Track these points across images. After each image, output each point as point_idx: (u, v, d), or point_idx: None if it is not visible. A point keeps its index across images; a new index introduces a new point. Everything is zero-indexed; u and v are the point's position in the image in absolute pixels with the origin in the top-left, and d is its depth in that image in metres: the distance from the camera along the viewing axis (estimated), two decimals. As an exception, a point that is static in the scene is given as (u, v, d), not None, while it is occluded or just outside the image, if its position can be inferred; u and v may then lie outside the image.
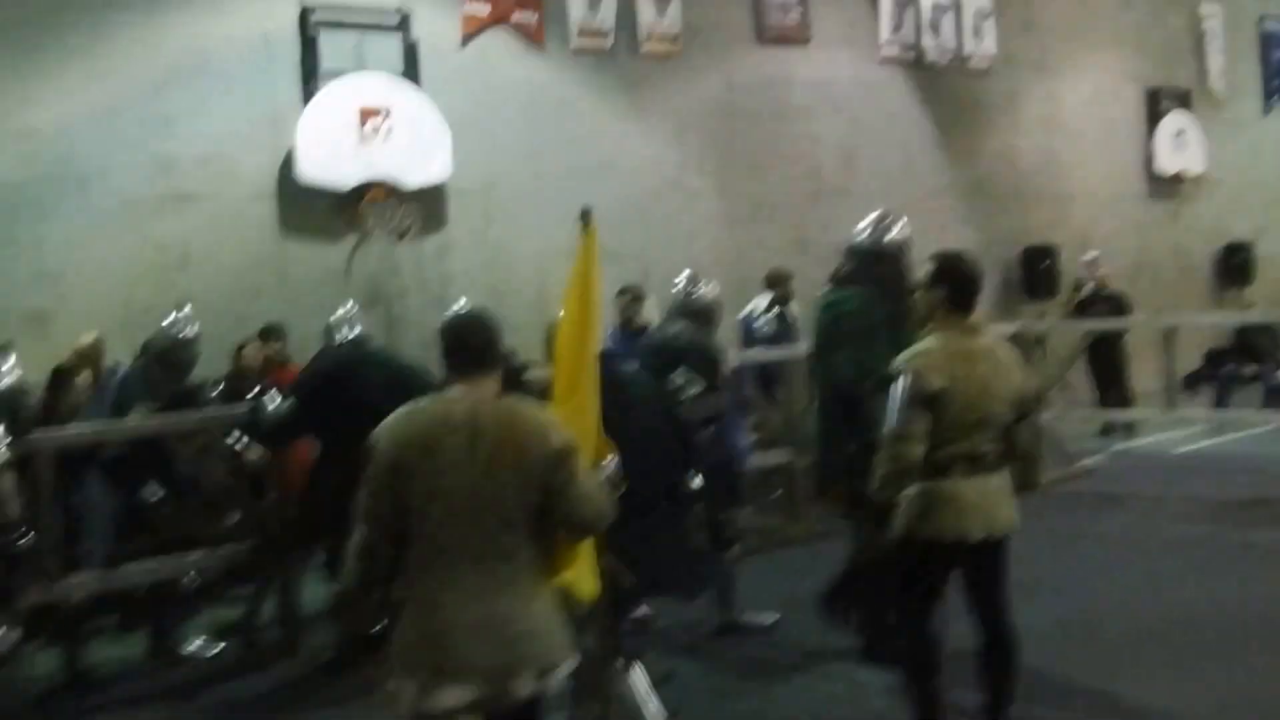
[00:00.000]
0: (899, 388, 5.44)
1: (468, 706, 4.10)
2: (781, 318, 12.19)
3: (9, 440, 6.65)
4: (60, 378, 8.62)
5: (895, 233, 7.36)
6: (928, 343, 5.58)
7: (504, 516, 4.16)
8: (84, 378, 8.65)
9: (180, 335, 8.61)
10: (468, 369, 4.31)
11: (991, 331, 6.12)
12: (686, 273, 8.80)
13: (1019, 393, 5.60)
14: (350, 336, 8.71)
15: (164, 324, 8.70)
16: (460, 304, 8.13)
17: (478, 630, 4.12)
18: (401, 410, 4.34)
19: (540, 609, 4.25)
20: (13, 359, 7.55)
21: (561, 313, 5.61)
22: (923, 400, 5.35)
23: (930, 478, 5.45)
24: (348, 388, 7.92)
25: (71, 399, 8.46)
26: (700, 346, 8.19)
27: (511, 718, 4.24)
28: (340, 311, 8.96)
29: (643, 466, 5.51)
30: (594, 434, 5.08)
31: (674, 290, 8.66)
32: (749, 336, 12.35)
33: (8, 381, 7.38)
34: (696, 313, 8.40)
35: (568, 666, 4.35)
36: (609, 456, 5.14)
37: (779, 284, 12.41)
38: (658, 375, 7.56)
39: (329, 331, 8.76)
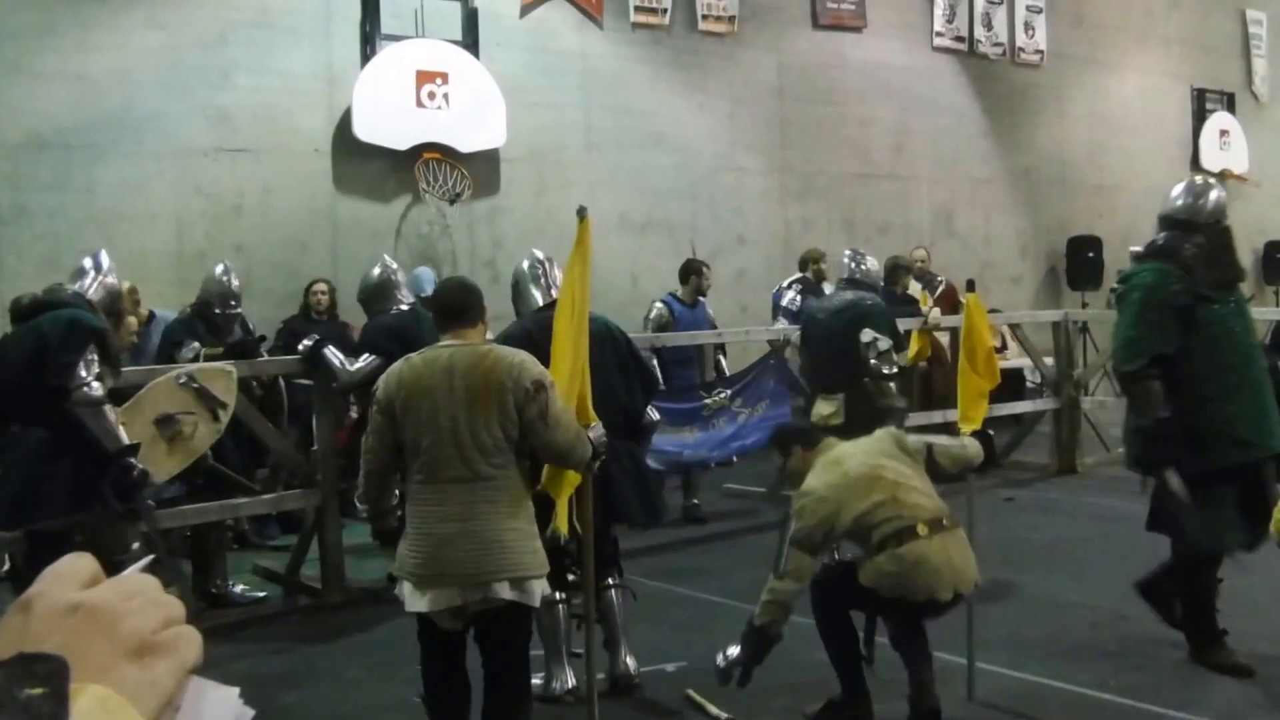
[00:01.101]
0: (785, 529, 5.39)
1: (454, 608, 4.70)
2: (805, 293, 11.81)
3: (99, 374, 6.29)
4: (110, 320, 8.31)
5: (1211, 200, 6.65)
6: (809, 482, 5.48)
7: (484, 445, 4.68)
8: (130, 322, 8.31)
9: (222, 289, 8.53)
10: (453, 323, 4.96)
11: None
12: (848, 250, 9.56)
13: (902, 447, 5.59)
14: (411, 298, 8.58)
15: (212, 274, 8.62)
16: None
17: (458, 542, 4.65)
18: (398, 361, 4.98)
19: (516, 526, 4.74)
20: (107, 259, 6.99)
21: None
22: (804, 540, 5.33)
23: (901, 544, 5.29)
24: (412, 346, 7.61)
25: (118, 342, 8.12)
26: (881, 309, 8.63)
27: (500, 628, 4.85)
28: (377, 271, 8.56)
29: (602, 402, 5.58)
30: (583, 397, 5.24)
31: (843, 260, 9.38)
32: (775, 312, 12.04)
33: (110, 280, 6.82)
34: (864, 283, 9.06)
35: (544, 581, 4.86)
36: (594, 423, 5.25)
37: (809, 264, 12.03)
38: (843, 333, 8.24)
39: (384, 290, 8.41)
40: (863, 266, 9.17)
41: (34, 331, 6.25)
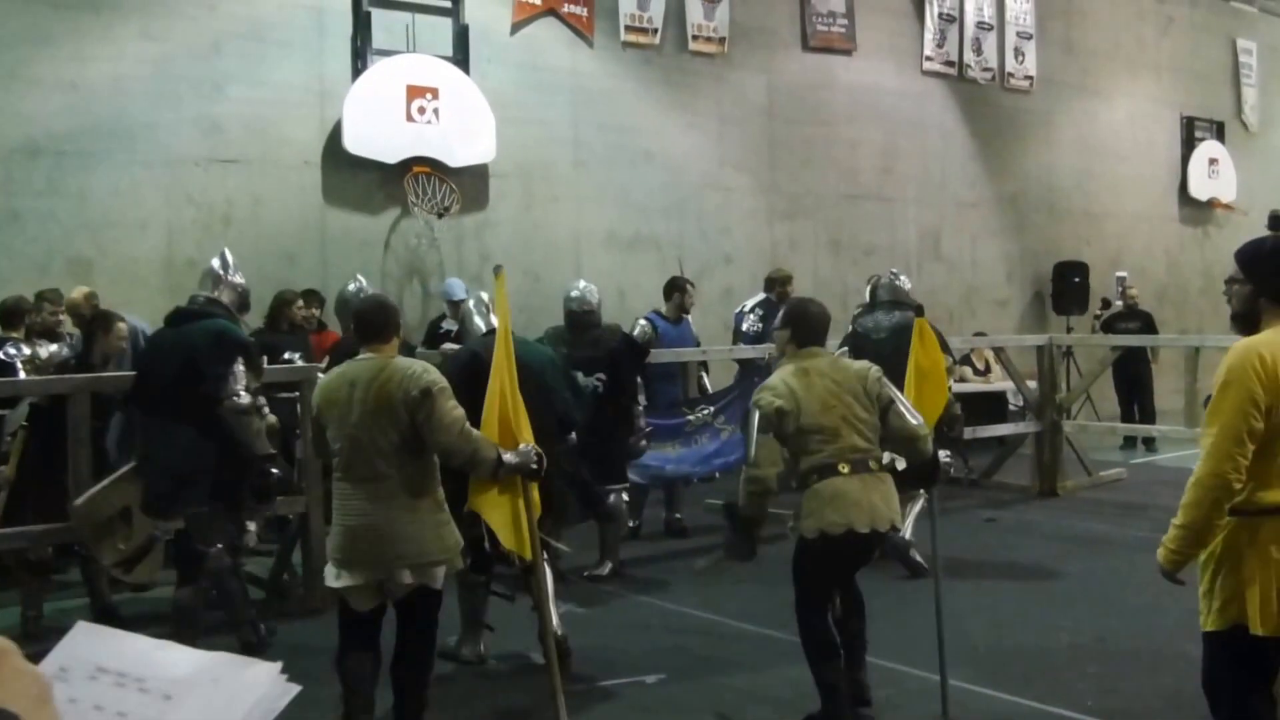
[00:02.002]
0: (750, 421, 5.93)
1: (361, 587, 5.55)
2: (767, 318, 11.97)
3: (247, 385, 6.93)
4: (97, 323, 8.45)
5: None
6: (772, 378, 6.04)
7: (382, 448, 5.46)
8: (121, 328, 8.45)
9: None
10: (369, 339, 5.69)
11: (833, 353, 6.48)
12: (891, 269, 10.32)
13: (868, 390, 5.94)
14: None
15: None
16: (581, 285, 9.21)
17: (364, 533, 5.47)
18: (327, 373, 5.95)
19: (415, 518, 5.50)
20: (231, 258, 7.56)
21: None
22: (766, 427, 5.80)
23: (821, 479, 5.77)
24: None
25: (107, 345, 8.28)
26: (934, 330, 8.95)
27: (410, 606, 5.64)
28: (352, 287, 9.21)
29: (545, 412, 6.53)
30: (506, 420, 5.84)
31: (883, 281, 10.03)
32: (736, 333, 12.23)
33: (237, 279, 7.41)
34: (905, 302, 9.65)
35: (451, 564, 5.64)
36: (525, 444, 5.79)
37: (776, 285, 12.22)
38: (906, 351, 8.48)
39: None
40: (896, 284, 9.90)
41: (185, 341, 6.94)
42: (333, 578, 5.60)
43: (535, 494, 5.94)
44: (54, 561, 8.38)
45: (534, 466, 5.75)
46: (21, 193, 10.55)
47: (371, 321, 5.74)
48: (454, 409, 5.50)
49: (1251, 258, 4.32)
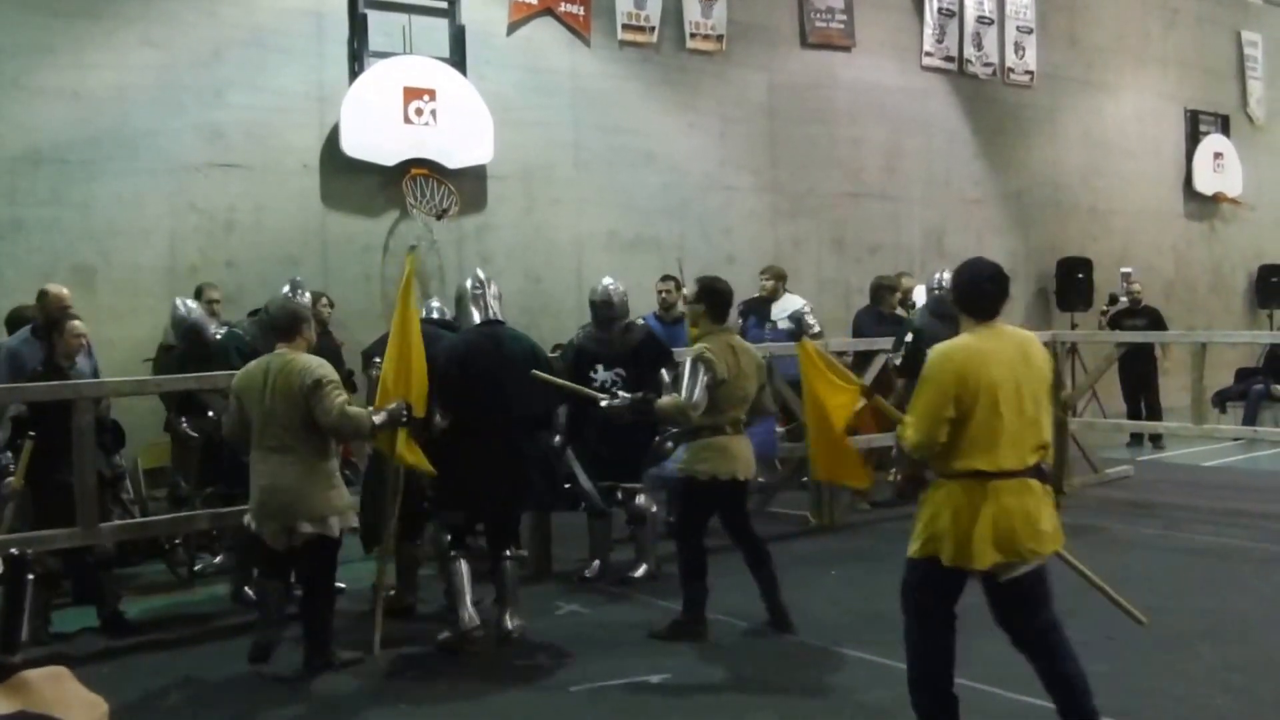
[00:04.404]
0: (698, 371, 7.41)
1: (273, 533, 7.02)
2: (746, 315, 12.18)
3: None
4: (53, 326, 8.41)
5: None
6: (714, 346, 7.53)
7: (286, 424, 6.99)
8: (75, 325, 8.36)
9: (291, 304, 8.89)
10: (278, 338, 7.22)
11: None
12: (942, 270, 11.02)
13: (759, 374, 7.83)
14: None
15: (283, 292, 9.42)
16: (606, 281, 9.59)
17: (272, 492, 7.00)
18: (250, 362, 7.38)
19: (312, 479, 7.01)
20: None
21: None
22: (712, 384, 7.41)
23: (714, 435, 7.55)
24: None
25: (66, 345, 8.25)
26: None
27: (309, 552, 7.07)
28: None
29: (517, 405, 7.66)
30: (394, 387, 7.41)
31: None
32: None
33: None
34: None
35: (342, 519, 7.11)
36: (397, 401, 7.33)
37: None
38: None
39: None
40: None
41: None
42: (249, 520, 7.16)
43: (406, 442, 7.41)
44: (62, 569, 8.26)
45: (403, 418, 7.30)
46: (26, 202, 10.80)
47: (281, 324, 7.28)
48: (338, 396, 6.99)
49: (955, 274, 5.63)
